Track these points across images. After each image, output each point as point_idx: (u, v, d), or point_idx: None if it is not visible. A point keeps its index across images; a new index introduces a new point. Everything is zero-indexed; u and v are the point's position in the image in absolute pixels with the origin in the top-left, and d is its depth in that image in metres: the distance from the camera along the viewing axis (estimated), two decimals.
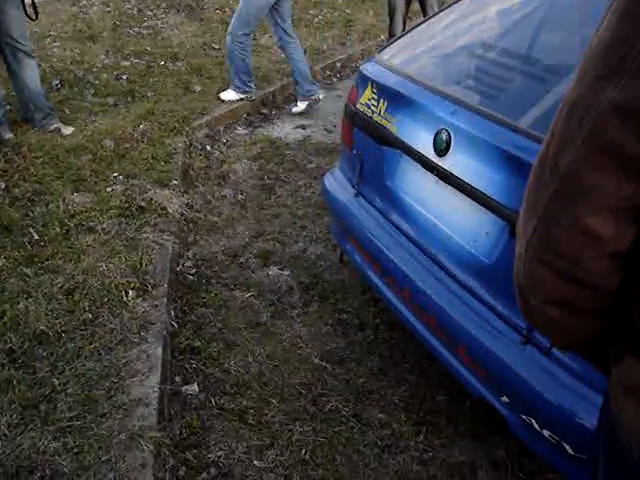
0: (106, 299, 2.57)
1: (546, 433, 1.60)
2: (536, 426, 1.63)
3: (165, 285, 2.72)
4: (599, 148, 0.71)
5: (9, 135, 3.96)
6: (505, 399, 1.73)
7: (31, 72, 4.08)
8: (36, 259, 2.82)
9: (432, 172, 1.95)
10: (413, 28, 2.49)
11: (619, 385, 0.82)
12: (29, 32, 4.26)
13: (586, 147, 0.72)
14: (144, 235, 3.07)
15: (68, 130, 4.21)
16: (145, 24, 6.99)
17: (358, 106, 2.38)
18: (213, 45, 5.99)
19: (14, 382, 2.13)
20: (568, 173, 0.73)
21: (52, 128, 4.14)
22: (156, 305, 2.58)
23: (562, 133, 0.75)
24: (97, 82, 5.20)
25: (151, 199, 3.37)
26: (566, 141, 0.74)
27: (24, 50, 3.99)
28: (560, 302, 0.81)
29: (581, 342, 0.88)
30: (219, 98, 4.99)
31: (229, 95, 4.99)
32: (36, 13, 3.95)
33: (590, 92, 0.71)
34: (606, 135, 0.70)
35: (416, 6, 5.48)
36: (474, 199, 1.79)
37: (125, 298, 2.58)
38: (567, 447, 1.55)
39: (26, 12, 3.87)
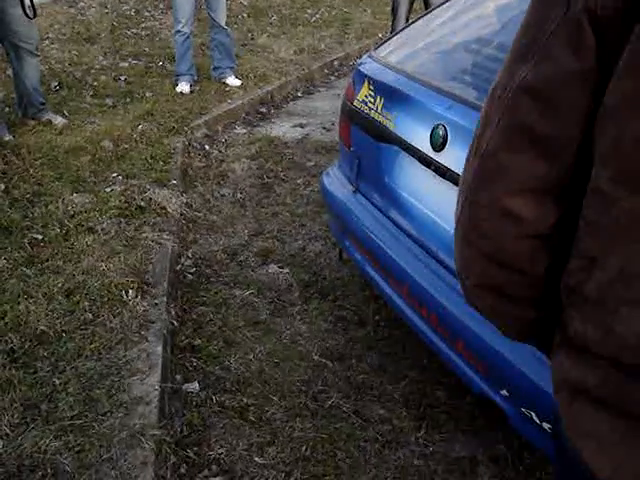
0: (106, 299, 2.57)
1: (546, 426, 1.61)
2: (536, 419, 1.63)
3: (165, 284, 2.72)
4: (512, 128, 0.72)
5: (8, 137, 3.97)
6: (505, 393, 1.74)
7: (30, 70, 4.13)
8: (36, 260, 2.82)
9: (429, 167, 1.95)
10: (409, 25, 2.49)
11: (552, 379, 0.80)
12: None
13: (501, 127, 0.72)
14: (144, 235, 3.07)
15: (58, 120, 4.32)
16: (143, 25, 7.01)
17: (355, 103, 2.38)
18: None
19: (15, 382, 2.14)
20: (487, 153, 0.74)
21: (44, 120, 4.29)
22: (156, 304, 2.59)
23: (484, 114, 0.76)
24: (95, 83, 5.22)
25: (150, 199, 3.38)
26: (486, 122, 0.75)
27: (27, 48, 4.04)
28: (492, 287, 0.81)
29: (523, 332, 0.87)
30: (226, 84, 5.27)
31: (236, 81, 5.34)
32: (34, 12, 3.96)
33: (508, 73, 0.73)
34: (518, 115, 0.71)
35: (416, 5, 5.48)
36: None
37: (125, 297, 2.59)
38: None
39: (24, 11, 3.88)
